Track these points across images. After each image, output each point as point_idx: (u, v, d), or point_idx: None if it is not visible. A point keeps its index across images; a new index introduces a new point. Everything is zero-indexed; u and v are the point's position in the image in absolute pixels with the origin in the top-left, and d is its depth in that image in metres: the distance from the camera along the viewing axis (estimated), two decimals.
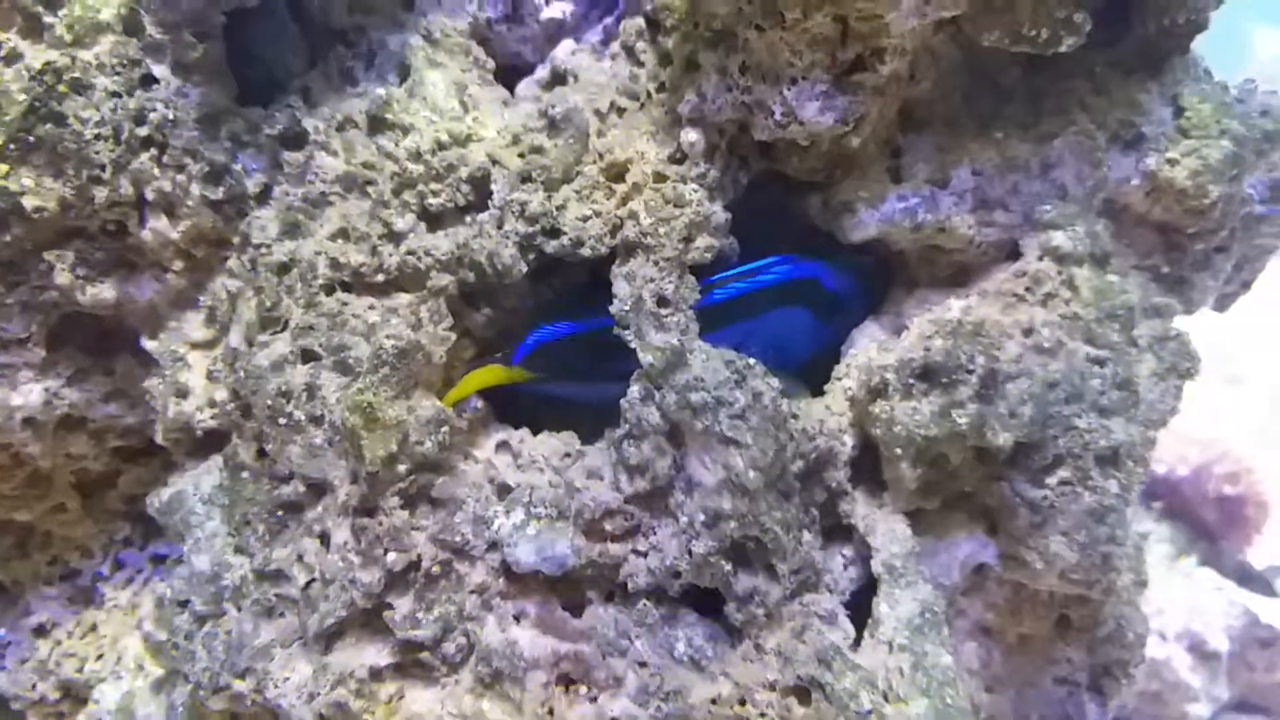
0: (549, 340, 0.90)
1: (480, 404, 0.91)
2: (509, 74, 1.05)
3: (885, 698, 0.78)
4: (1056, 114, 0.96)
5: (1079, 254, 0.91)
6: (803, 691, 0.78)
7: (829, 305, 0.97)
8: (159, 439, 0.93)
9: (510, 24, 1.06)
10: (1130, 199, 0.97)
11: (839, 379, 0.92)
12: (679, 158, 0.89)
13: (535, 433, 0.92)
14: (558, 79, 0.98)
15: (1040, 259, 0.91)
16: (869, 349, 0.93)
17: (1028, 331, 0.89)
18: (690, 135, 0.88)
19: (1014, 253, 0.94)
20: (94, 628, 1.04)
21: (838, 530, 0.90)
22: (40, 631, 1.04)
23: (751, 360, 0.82)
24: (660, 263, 0.85)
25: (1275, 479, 1.94)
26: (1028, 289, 0.91)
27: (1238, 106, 0.99)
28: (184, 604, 0.88)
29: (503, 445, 0.90)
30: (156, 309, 0.94)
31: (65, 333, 0.95)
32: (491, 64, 1.00)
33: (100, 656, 1.02)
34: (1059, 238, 0.91)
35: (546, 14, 1.07)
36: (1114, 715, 1.52)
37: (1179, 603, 1.58)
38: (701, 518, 0.80)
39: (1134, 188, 0.96)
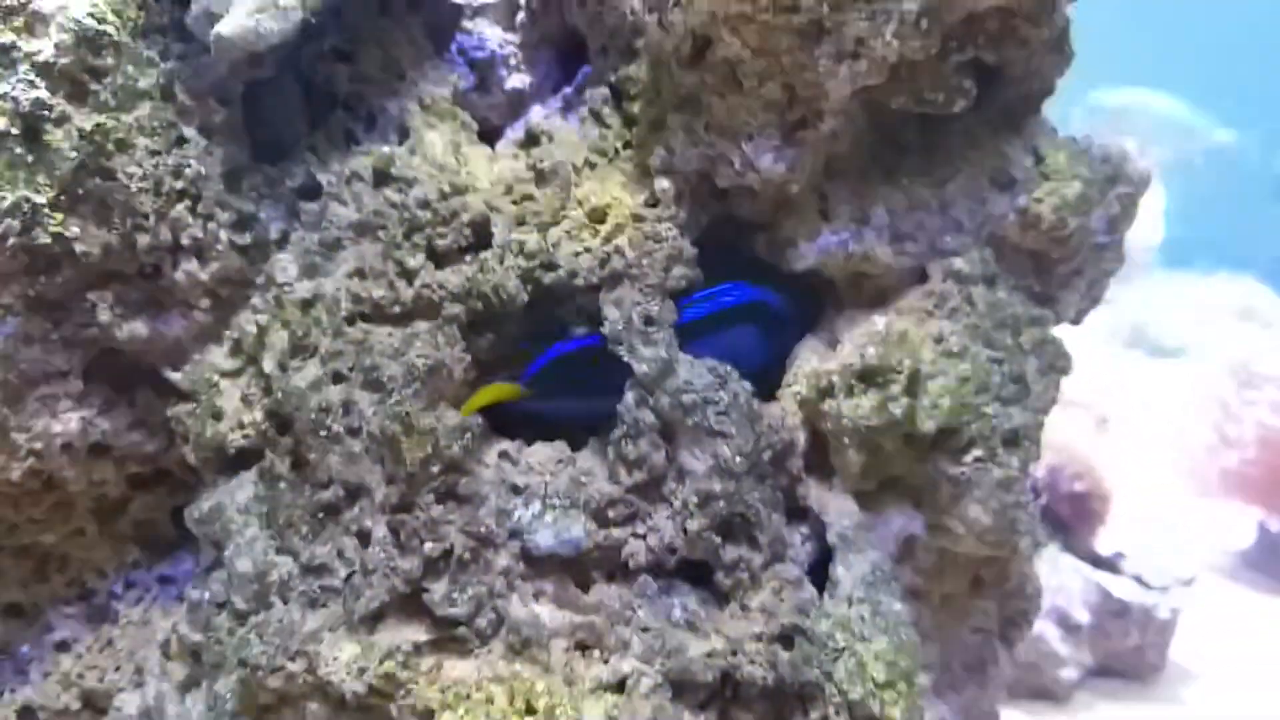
0: (551, 359, 1.04)
1: (480, 420, 1.05)
2: (480, 137, 1.20)
3: (854, 637, 0.94)
4: (945, 164, 1.16)
5: (975, 275, 1.11)
6: (786, 638, 0.94)
7: (775, 324, 1.14)
8: (191, 459, 1.03)
9: (480, 93, 1.22)
10: (1007, 231, 1.18)
11: (789, 385, 1.10)
12: (653, 202, 1.05)
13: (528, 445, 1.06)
14: (533, 139, 1.14)
15: (944, 280, 1.11)
16: (811, 359, 1.11)
17: (939, 339, 1.08)
18: (663, 183, 1.05)
19: (922, 277, 1.13)
20: (110, 642, 1.11)
21: (795, 512, 1.06)
22: (62, 647, 1.11)
23: (729, 367, 0.99)
24: (645, 289, 1.01)
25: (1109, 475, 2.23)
26: (936, 305, 1.11)
27: (1084, 156, 1.21)
28: (222, 605, 0.98)
29: (504, 454, 1.03)
30: (181, 344, 1.05)
31: (96, 368, 1.04)
32: (475, 126, 1.14)
33: (118, 668, 1.10)
34: (958, 262, 1.11)
35: (510, 84, 1.23)
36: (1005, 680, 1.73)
37: (1047, 584, 1.81)
38: (695, 500, 0.96)
39: (1010, 222, 1.17)
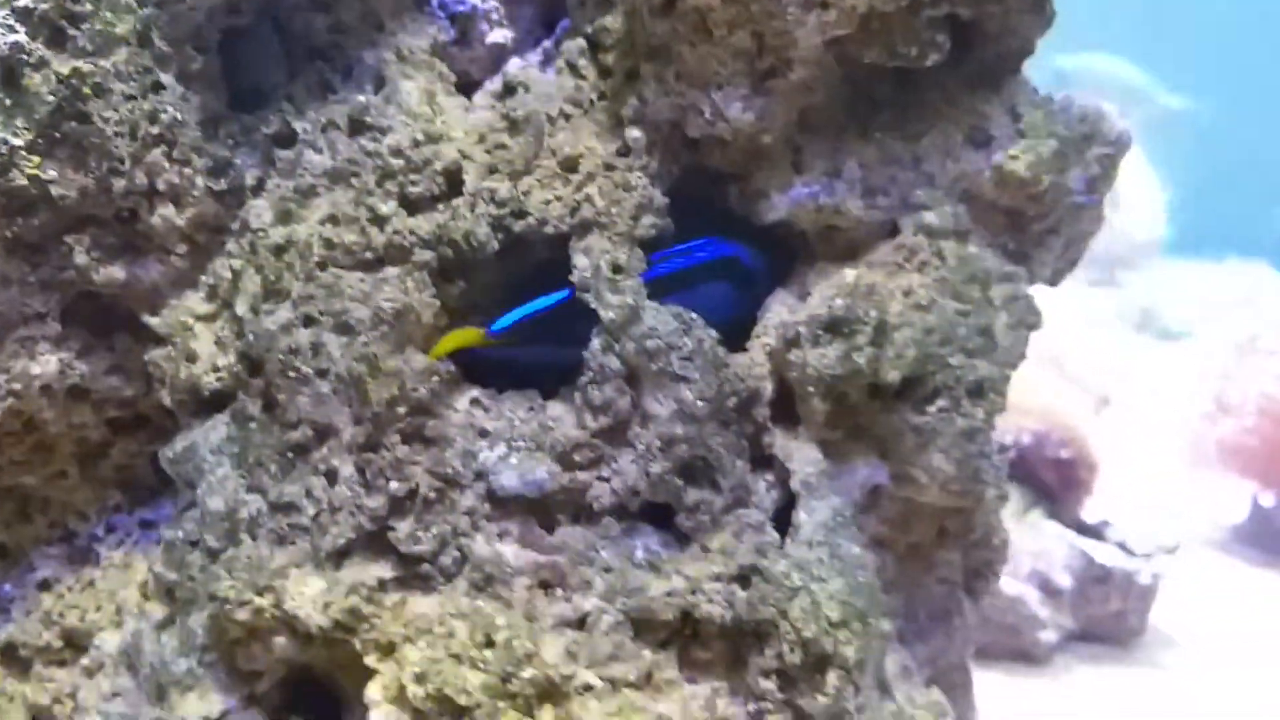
0: (524, 317, 1.05)
1: (452, 367, 1.06)
2: (459, 89, 1.21)
3: (810, 577, 0.96)
4: (920, 120, 1.17)
5: (945, 229, 1.12)
6: (744, 578, 0.95)
7: (747, 280, 1.15)
8: (167, 402, 1.05)
9: (460, 46, 1.22)
10: (983, 188, 1.18)
11: (758, 337, 1.11)
12: (625, 151, 1.06)
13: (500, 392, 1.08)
14: (509, 90, 1.15)
15: (915, 234, 1.12)
16: (781, 312, 1.12)
17: (907, 293, 1.09)
18: (634, 133, 1.06)
19: (894, 230, 1.14)
20: (92, 583, 1.13)
21: (760, 460, 1.08)
22: (44, 586, 1.13)
23: (694, 314, 1.00)
24: (614, 238, 1.03)
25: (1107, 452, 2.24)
26: (906, 259, 1.11)
27: (1060, 115, 1.22)
28: (195, 543, 1.01)
29: (475, 401, 1.05)
30: (159, 288, 1.06)
31: (74, 311, 1.06)
32: (453, 77, 1.15)
33: (99, 608, 1.12)
34: (929, 216, 1.11)
35: (491, 38, 1.24)
36: (978, 646, 1.75)
37: (1029, 549, 1.83)
38: (657, 444, 0.97)
39: (985, 179, 1.17)
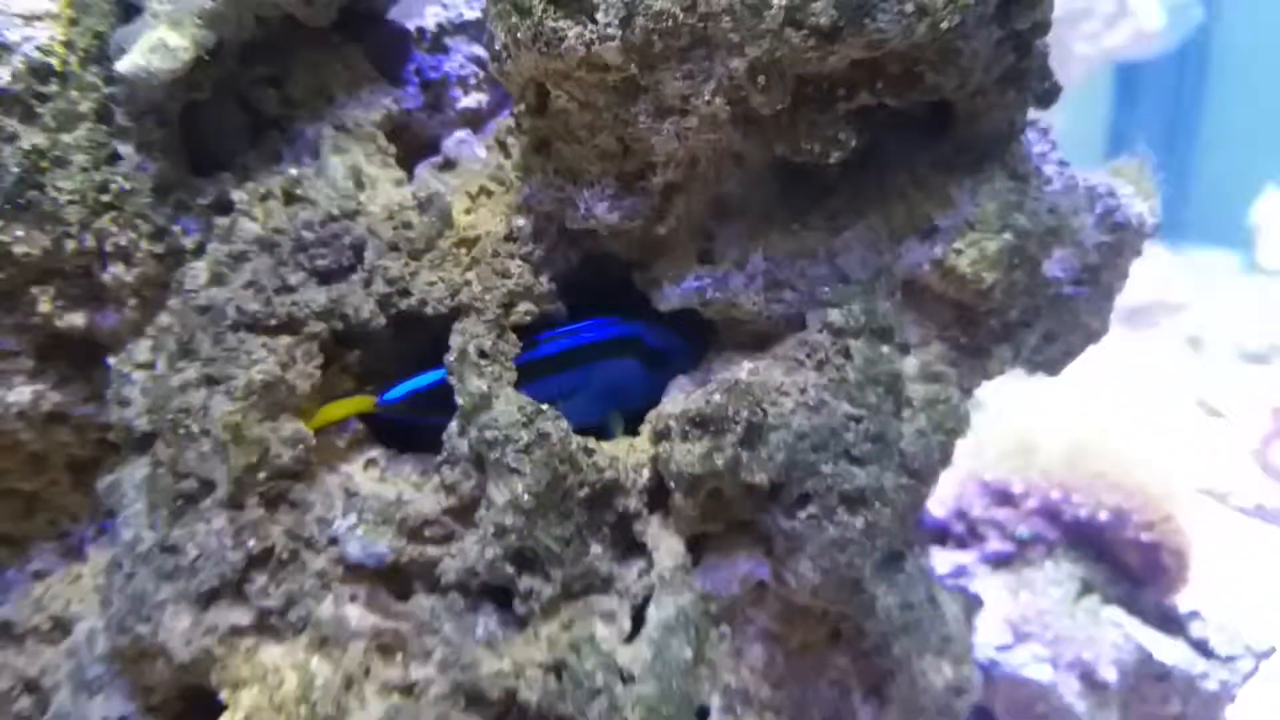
0: (420, 389, 1.11)
1: (360, 426, 1.13)
2: (432, 155, 1.27)
3: (622, 680, 0.97)
4: (873, 209, 1.12)
5: (853, 328, 1.07)
6: (557, 671, 0.98)
7: (654, 358, 1.16)
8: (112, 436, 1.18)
9: (431, 112, 1.29)
10: (928, 280, 1.13)
11: (647, 423, 1.11)
12: (513, 237, 1.09)
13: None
14: (449, 164, 1.20)
15: (820, 331, 1.08)
16: (679, 399, 1.11)
17: (803, 390, 1.06)
18: (519, 220, 1.09)
19: (802, 325, 1.11)
20: (79, 577, 1.29)
21: (635, 547, 1.09)
22: (38, 576, 1.30)
23: (544, 407, 1.02)
24: (486, 323, 1.06)
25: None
26: (807, 355, 1.08)
27: (1030, 204, 1.13)
28: (119, 565, 1.13)
29: (371, 462, 1.12)
30: (119, 334, 1.19)
31: (55, 349, 1.20)
32: (393, 149, 1.21)
33: (82, 600, 1.27)
34: (834, 314, 1.08)
35: (463, 104, 1.29)
36: None
37: (1075, 636, 1.70)
38: (492, 530, 1.01)
39: (927, 272, 1.12)
